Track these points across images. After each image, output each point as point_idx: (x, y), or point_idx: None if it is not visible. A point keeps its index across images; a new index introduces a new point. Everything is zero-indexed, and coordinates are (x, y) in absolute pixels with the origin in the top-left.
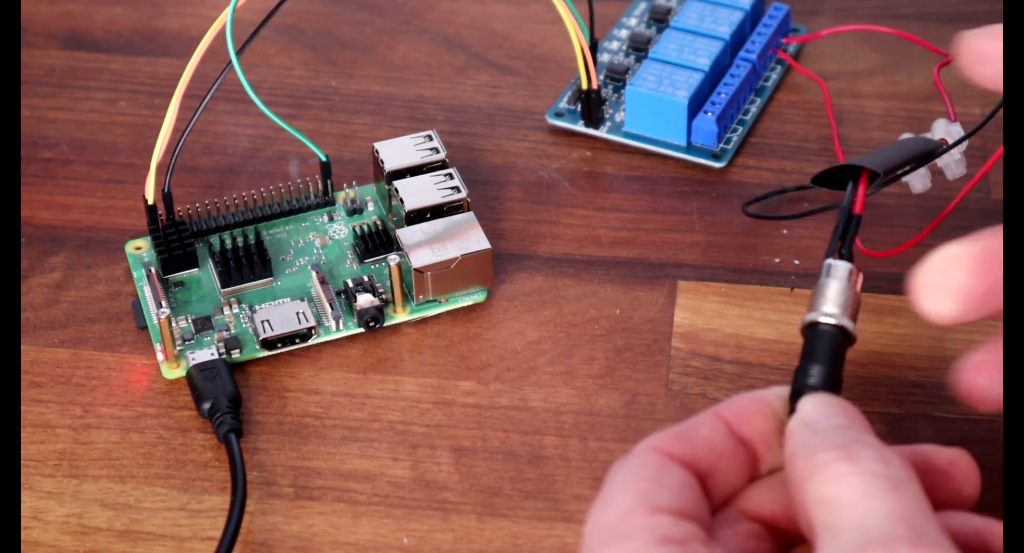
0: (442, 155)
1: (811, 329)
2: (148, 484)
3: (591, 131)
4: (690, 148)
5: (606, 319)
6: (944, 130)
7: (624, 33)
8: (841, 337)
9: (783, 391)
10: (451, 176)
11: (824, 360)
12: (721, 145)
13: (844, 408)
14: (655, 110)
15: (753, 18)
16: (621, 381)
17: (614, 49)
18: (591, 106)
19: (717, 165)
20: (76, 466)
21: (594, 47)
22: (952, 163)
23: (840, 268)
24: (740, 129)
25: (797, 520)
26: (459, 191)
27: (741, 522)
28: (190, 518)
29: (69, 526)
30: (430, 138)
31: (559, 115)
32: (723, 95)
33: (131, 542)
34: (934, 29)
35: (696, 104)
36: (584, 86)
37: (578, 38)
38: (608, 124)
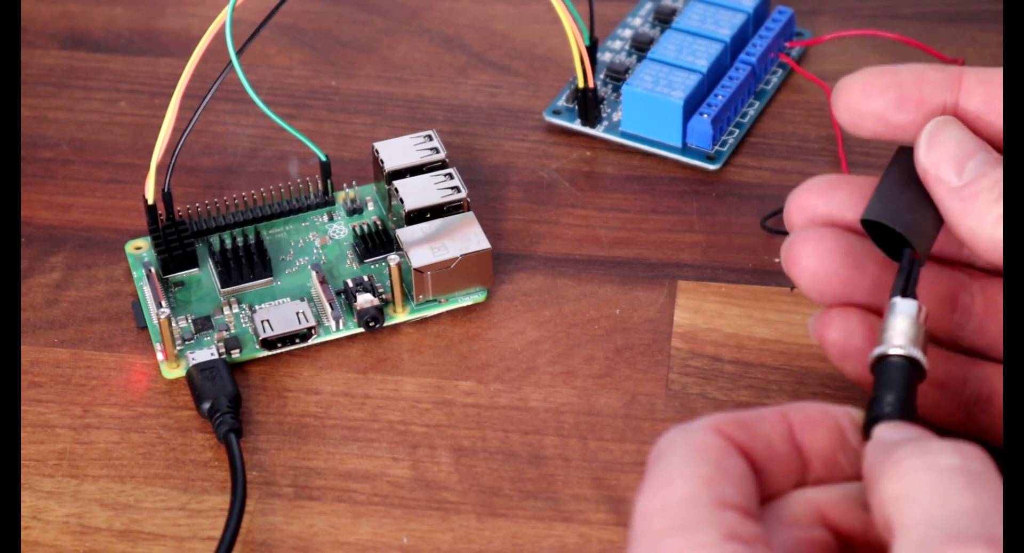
0: (442, 155)
1: (881, 361)
2: (148, 484)
3: (587, 130)
4: (685, 149)
5: (606, 319)
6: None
7: (628, 33)
8: (912, 369)
9: (855, 412)
10: (451, 176)
11: (897, 389)
12: (716, 147)
13: (922, 430)
14: (651, 110)
15: (756, 21)
16: (621, 381)
17: (617, 49)
18: (587, 105)
19: (711, 167)
20: (76, 466)
21: (594, 46)
22: None
23: (908, 305)
24: (737, 131)
25: (870, 535)
26: (459, 191)
27: (812, 527)
28: (190, 518)
29: (69, 526)
30: (430, 138)
31: (556, 113)
32: (720, 97)
33: (131, 542)
34: (934, 29)
35: (692, 105)
36: (580, 84)
37: (575, 36)
38: (605, 123)
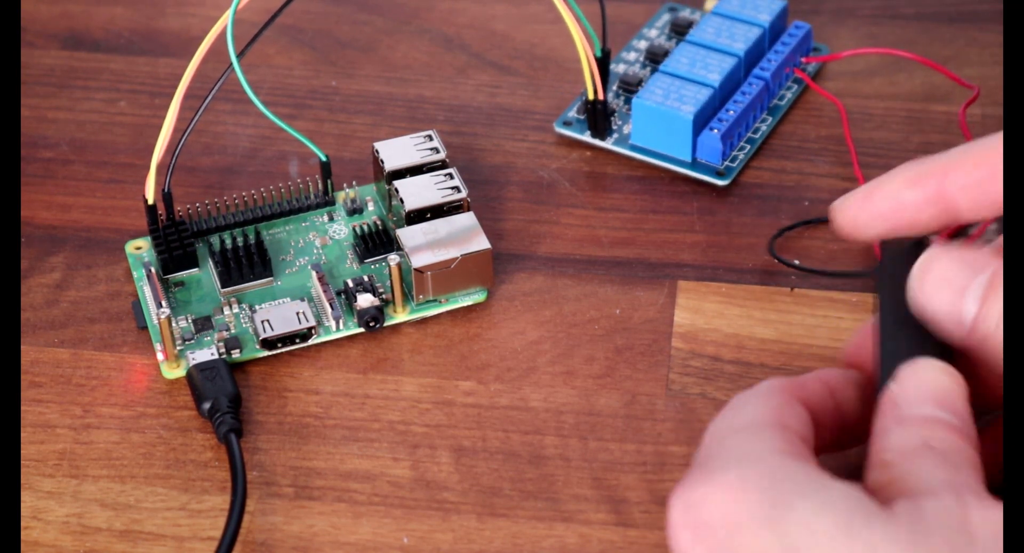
0: (442, 155)
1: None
2: (148, 484)
3: (597, 142)
4: (695, 164)
5: (606, 319)
6: None
7: (643, 44)
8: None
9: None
10: (451, 176)
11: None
12: (726, 163)
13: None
14: (661, 124)
15: (772, 36)
16: (621, 381)
17: (631, 60)
18: (597, 117)
19: (721, 183)
20: (76, 466)
21: (606, 57)
22: None
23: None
24: (748, 147)
25: None
26: (459, 191)
27: None
28: (190, 518)
29: (69, 526)
30: (430, 138)
31: (567, 124)
32: (732, 112)
33: (131, 542)
34: (934, 29)
35: (703, 120)
36: (590, 97)
37: (585, 50)
38: (616, 136)
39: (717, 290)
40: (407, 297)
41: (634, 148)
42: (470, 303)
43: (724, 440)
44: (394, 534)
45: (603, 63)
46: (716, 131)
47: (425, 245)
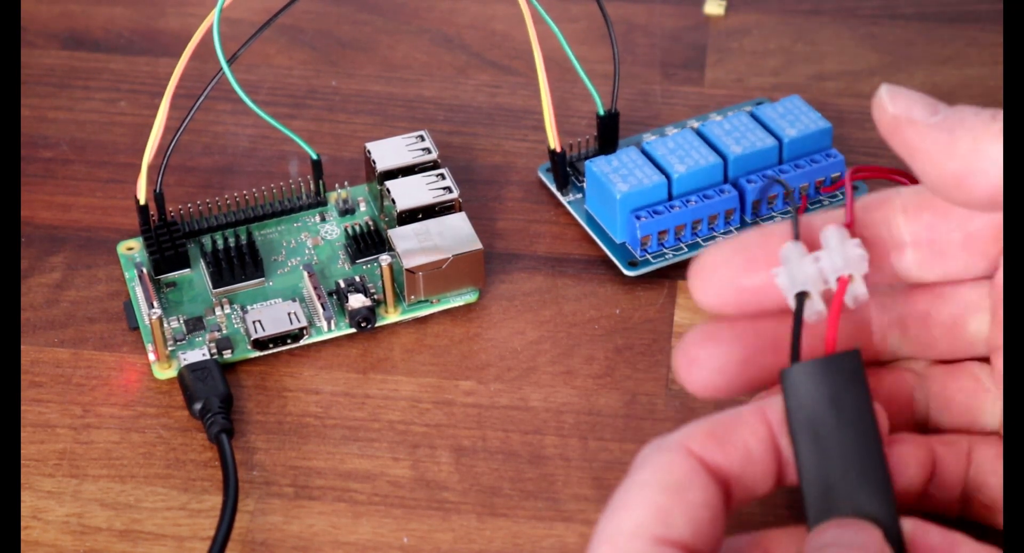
0: (434, 155)
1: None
2: (148, 484)
3: (558, 196)
4: (621, 246)
5: (606, 319)
6: (839, 248)
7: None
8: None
9: None
10: (443, 176)
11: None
12: (648, 256)
13: None
14: (602, 194)
15: (793, 153)
16: (621, 381)
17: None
18: (556, 168)
19: (627, 273)
20: (76, 466)
21: (612, 119)
22: (857, 295)
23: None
24: (686, 250)
25: None
26: (451, 191)
27: None
28: (190, 518)
29: (69, 526)
30: (422, 138)
31: (550, 171)
32: (676, 208)
33: (131, 542)
34: (934, 29)
35: (643, 204)
36: (550, 145)
37: (547, 97)
38: (579, 195)
39: None
40: (399, 298)
41: (586, 212)
42: (461, 303)
43: None
44: (394, 534)
45: (610, 123)
46: (642, 219)
47: (417, 246)
